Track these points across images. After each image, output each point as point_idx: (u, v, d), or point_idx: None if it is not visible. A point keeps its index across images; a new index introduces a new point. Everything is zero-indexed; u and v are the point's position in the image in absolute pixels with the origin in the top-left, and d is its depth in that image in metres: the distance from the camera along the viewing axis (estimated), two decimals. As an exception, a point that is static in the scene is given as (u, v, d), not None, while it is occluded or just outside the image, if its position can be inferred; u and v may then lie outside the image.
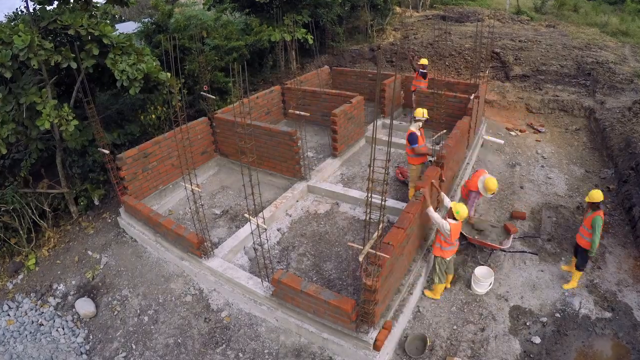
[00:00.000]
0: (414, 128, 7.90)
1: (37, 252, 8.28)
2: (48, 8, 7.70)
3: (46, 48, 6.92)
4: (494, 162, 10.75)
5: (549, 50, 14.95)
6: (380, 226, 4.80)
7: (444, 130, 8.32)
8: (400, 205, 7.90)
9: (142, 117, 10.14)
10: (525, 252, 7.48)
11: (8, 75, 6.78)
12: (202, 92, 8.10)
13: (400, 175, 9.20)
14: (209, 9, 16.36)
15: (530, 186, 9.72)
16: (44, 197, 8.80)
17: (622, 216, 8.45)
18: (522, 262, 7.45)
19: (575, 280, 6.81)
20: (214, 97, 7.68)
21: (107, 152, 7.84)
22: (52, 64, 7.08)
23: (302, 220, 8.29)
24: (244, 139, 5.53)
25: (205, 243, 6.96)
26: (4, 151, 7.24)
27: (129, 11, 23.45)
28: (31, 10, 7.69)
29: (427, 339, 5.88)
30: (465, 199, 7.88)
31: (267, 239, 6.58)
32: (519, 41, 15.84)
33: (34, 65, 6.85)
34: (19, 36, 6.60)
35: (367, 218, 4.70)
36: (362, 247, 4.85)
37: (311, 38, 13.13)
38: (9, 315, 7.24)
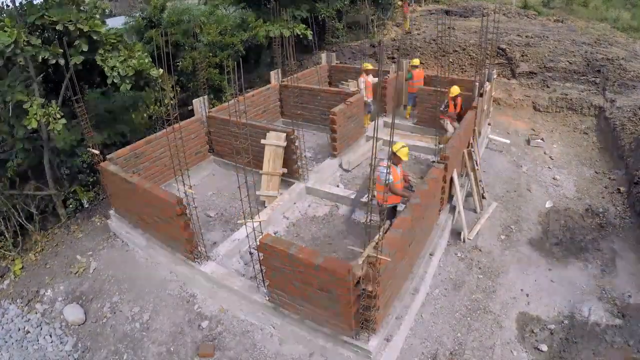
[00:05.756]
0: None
1: (23, 257, 8.27)
2: (35, 2, 7.71)
3: (33, 44, 6.92)
4: (500, 162, 10.78)
5: (557, 46, 14.98)
6: (381, 229, 4.81)
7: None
8: (401, 207, 7.91)
9: (133, 115, 10.15)
10: None
11: (-7, 72, 6.80)
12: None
13: None
14: (205, 3, 16.39)
15: (537, 188, 9.74)
16: (31, 199, 8.80)
17: (633, 219, 8.47)
18: (529, 266, 7.47)
19: None
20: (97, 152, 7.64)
21: (97, 152, 7.84)
22: (39, 60, 7.08)
23: (299, 223, 8.30)
24: (239, 139, 5.54)
25: (198, 247, 6.96)
26: (-11, 151, 7.26)
27: (119, 5, 23.48)
28: (17, 4, 7.69)
29: None
30: None
31: (263, 243, 6.56)
32: (526, 37, 15.86)
33: (20, 61, 6.85)
34: (5, 32, 6.59)
35: (367, 220, 4.71)
36: (362, 251, 4.87)
37: (310, 33, 13.16)
38: (-6, 322, 7.23)
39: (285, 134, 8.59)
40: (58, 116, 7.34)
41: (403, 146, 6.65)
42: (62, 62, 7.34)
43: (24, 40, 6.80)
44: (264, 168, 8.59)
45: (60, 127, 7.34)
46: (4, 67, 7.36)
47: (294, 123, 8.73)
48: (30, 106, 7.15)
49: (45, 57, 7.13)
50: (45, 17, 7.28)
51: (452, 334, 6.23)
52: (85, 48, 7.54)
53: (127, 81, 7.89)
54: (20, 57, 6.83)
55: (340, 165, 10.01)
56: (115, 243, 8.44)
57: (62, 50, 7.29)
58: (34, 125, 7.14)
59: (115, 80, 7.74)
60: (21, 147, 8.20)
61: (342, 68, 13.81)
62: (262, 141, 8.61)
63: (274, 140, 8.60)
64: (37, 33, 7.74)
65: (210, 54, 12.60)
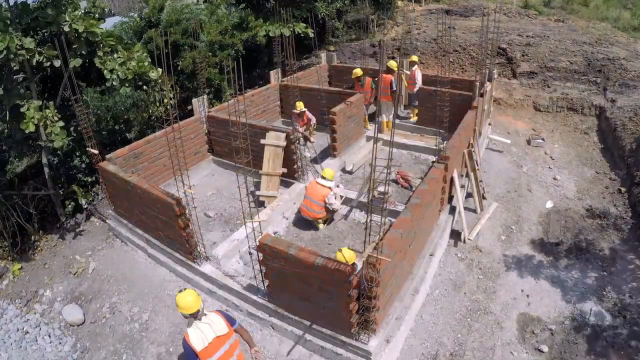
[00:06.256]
0: None
1: (22, 257, 8.27)
2: (29, 1, 7.66)
3: (27, 48, 6.86)
4: (500, 162, 10.78)
5: (558, 46, 14.98)
6: (381, 229, 4.81)
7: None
8: (402, 207, 7.91)
9: (132, 115, 10.15)
10: None
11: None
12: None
13: (401, 179, 9.21)
14: (205, 1, 16.36)
15: (538, 188, 9.75)
16: (30, 200, 8.79)
17: (634, 219, 8.47)
18: (529, 267, 7.48)
19: None
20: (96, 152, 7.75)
21: (96, 152, 7.84)
22: (34, 63, 7.04)
23: (299, 224, 8.31)
24: (238, 139, 5.55)
25: (198, 247, 6.96)
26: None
27: (118, 4, 23.50)
28: (11, 3, 7.65)
29: None
30: None
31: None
32: (527, 36, 15.87)
33: (14, 66, 6.81)
34: None
35: (368, 220, 4.72)
36: (361, 252, 4.87)
37: (311, 32, 13.18)
38: (-8, 322, 7.23)
39: (285, 134, 8.59)
40: (55, 119, 7.31)
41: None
42: (57, 64, 7.28)
43: (17, 45, 6.72)
44: (263, 168, 8.59)
45: (57, 130, 7.31)
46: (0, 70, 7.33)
47: (293, 123, 8.74)
48: (28, 109, 7.12)
49: (40, 60, 7.08)
50: (39, 18, 7.24)
51: (453, 335, 6.24)
52: (84, 51, 7.52)
53: (127, 84, 7.86)
54: (15, 62, 6.76)
55: (344, 168, 10.01)
56: (114, 243, 8.45)
57: (57, 52, 7.25)
58: (32, 129, 7.12)
59: (114, 83, 7.72)
60: (19, 148, 8.19)
61: (342, 68, 13.80)
62: (262, 141, 8.61)
63: (273, 140, 8.60)
64: (32, 33, 7.70)
65: (210, 54, 12.60)
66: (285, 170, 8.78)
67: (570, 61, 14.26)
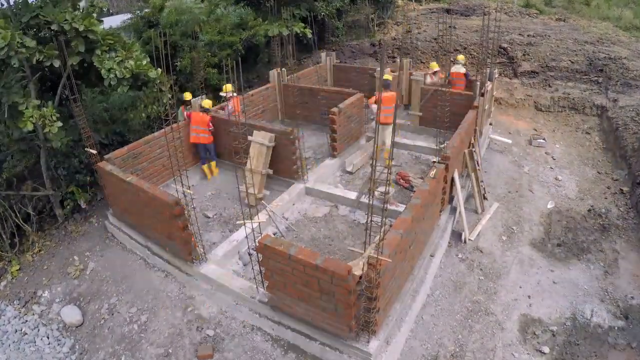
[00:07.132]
0: None
1: (20, 258, 8.27)
2: (30, 0, 7.68)
3: (27, 46, 6.87)
4: (501, 162, 10.78)
5: (559, 45, 15.00)
6: (382, 230, 4.82)
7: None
8: (403, 208, 7.92)
9: (131, 115, 10.14)
10: None
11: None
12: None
13: (401, 180, 9.22)
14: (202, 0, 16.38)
15: (539, 188, 9.75)
16: (28, 200, 8.79)
17: (636, 220, 8.47)
18: (530, 267, 7.48)
19: None
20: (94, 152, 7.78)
21: (94, 152, 7.84)
22: (34, 62, 7.06)
23: (299, 224, 8.31)
24: (238, 139, 5.55)
25: (197, 248, 6.96)
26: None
27: (117, 4, 23.50)
28: (12, 2, 7.65)
29: None
30: None
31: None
32: (528, 36, 15.88)
33: (14, 64, 6.83)
34: None
35: (369, 221, 4.72)
36: (362, 252, 4.87)
37: (309, 32, 13.18)
38: (-10, 324, 7.23)
39: (272, 135, 8.54)
40: (54, 118, 7.31)
41: None
42: (57, 64, 7.29)
43: (18, 42, 6.74)
44: (247, 165, 8.52)
45: (56, 130, 7.31)
46: (-1, 68, 7.33)
47: (293, 123, 8.72)
48: (26, 108, 7.13)
49: (40, 60, 7.09)
50: (40, 16, 7.25)
51: (453, 336, 6.23)
52: (82, 49, 7.53)
53: (125, 83, 7.86)
54: (15, 59, 6.78)
55: (344, 169, 10.01)
56: (113, 244, 8.44)
57: (57, 52, 7.24)
58: (30, 127, 7.12)
59: (112, 82, 7.73)
60: (17, 148, 8.18)
61: (342, 67, 13.80)
62: (249, 138, 8.57)
63: (259, 139, 8.56)
64: (32, 32, 7.71)
65: (209, 54, 12.61)
66: (270, 171, 8.69)
67: (571, 60, 14.27)
